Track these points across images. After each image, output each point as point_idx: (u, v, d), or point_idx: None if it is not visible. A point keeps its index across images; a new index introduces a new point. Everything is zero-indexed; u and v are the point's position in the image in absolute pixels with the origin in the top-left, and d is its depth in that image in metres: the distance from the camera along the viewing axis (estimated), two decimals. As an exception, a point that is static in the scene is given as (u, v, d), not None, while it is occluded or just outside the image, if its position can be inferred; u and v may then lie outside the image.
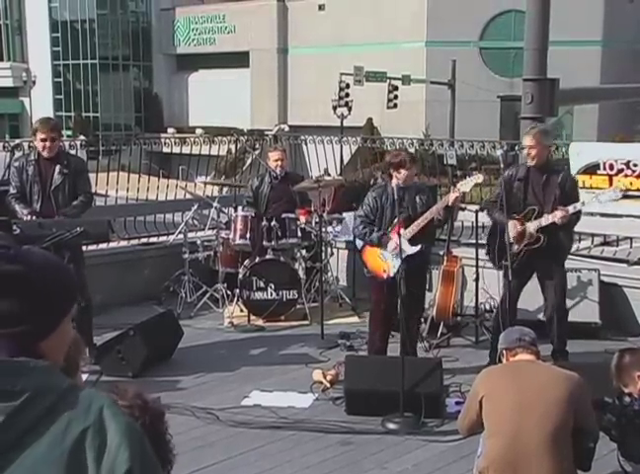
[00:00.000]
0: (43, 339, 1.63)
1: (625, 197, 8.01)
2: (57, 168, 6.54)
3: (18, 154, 7.86)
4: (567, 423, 3.86)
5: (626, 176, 7.99)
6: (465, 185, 6.19)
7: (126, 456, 1.50)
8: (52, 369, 1.60)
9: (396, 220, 6.16)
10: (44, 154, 6.50)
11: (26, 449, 1.46)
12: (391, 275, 6.24)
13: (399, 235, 5.97)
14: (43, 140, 6.45)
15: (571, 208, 6.12)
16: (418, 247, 6.03)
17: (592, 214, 8.62)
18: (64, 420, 1.50)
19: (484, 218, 7.97)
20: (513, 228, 6.25)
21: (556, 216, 6.13)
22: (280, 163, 8.43)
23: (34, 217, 6.38)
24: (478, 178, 6.25)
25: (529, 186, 6.34)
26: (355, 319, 8.07)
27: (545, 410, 3.85)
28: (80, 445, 1.49)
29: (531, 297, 6.91)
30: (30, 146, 8.15)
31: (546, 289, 6.52)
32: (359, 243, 6.64)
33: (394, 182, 6.21)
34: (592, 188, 8.15)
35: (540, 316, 6.96)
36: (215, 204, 8.89)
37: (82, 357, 2.58)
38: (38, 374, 1.54)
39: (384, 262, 6.29)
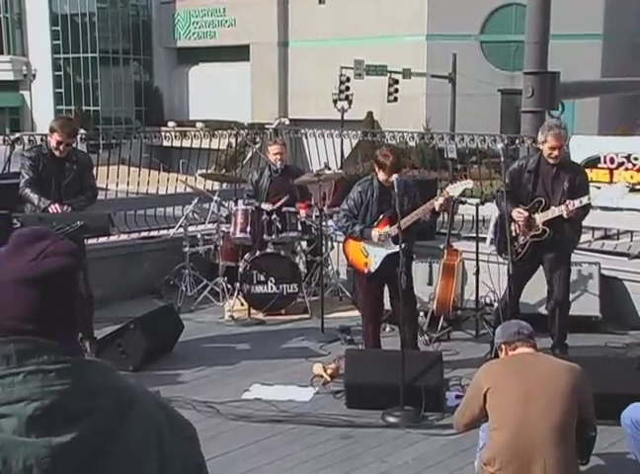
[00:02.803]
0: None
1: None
2: (67, 164, 6.61)
3: (18, 148, 7.86)
4: (571, 413, 3.89)
5: (627, 169, 7.98)
6: (454, 189, 6.16)
7: (194, 452, 1.69)
8: (111, 368, 1.59)
9: (381, 217, 6.21)
10: (56, 154, 6.54)
11: (109, 454, 1.46)
12: (372, 270, 6.28)
13: (399, 229, 5.96)
14: (59, 143, 6.47)
15: (577, 202, 6.11)
16: (397, 247, 5.94)
17: (592, 208, 8.62)
18: (139, 421, 1.50)
19: (484, 212, 7.99)
20: (519, 215, 6.24)
21: (563, 210, 6.12)
22: (279, 156, 8.43)
23: (56, 206, 6.37)
24: (468, 183, 6.22)
25: (539, 178, 6.32)
26: (355, 313, 8.05)
27: (549, 401, 3.87)
28: (155, 444, 1.51)
29: (532, 291, 6.91)
30: (30, 140, 8.17)
31: (551, 282, 6.52)
32: (341, 236, 6.68)
33: (379, 177, 6.23)
34: (592, 181, 8.14)
35: (541, 310, 6.96)
36: (216, 198, 8.88)
37: None
38: (109, 375, 1.54)
39: (366, 257, 6.32)
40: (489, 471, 3.95)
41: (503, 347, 4.21)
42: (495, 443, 3.96)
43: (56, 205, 6.37)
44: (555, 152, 6.24)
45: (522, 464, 3.85)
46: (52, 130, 6.51)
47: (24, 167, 6.63)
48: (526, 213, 6.24)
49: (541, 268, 6.56)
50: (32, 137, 8.29)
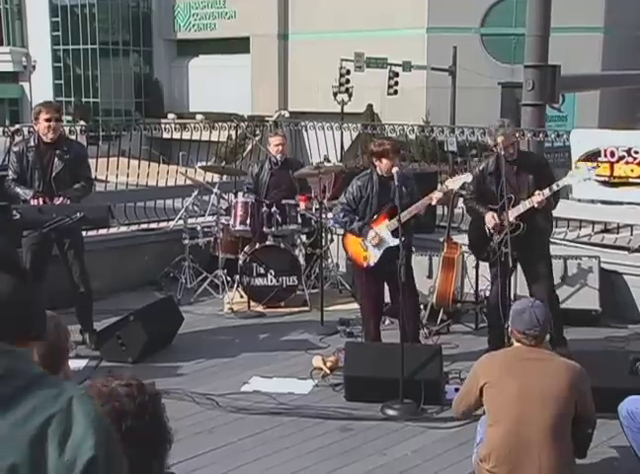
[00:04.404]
0: None
1: (626, 184, 8.02)
2: (58, 154, 6.47)
3: (18, 139, 7.82)
4: (568, 412, 3.88)
5: (627, 163, 7.97)
6: (453, 182, 6.19)
7: (91, 444, 1.49)
8: (24, 355, 1.59)
9: (380, 211, 6.22)
10: (49, 136, 6.39)
11: None
12: (371, 264, 6.28)
13: (399, 223, 5.95)
14: (48, 120, 6.34)
15: (547, 191, 6.12)
16: (397, 240, 5.92)
17: (592, 202, 8.62)
18: (29, 405, 1.50)
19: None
20: (491, 220, 6.25)
21: (533, 201, 6.13)
22: (280, 148, 8.41)
23: (39, 199, 6.34)
24: (467, 177, 6.24)
25: (502, 178, 6.30)
26: (354, 306, 8.04)
27: (546, 399, 3.86)
28: (43, 431, 1.47)
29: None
30: (29, 131, 8.14)
31: (533, 277, 6.50)
32: (341, 229, 6.68)
33: (378, 170, 6.24)
34: (593, 175, 8.15)
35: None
36: (215, 190, 8.87)
37: (68, 344, 2.57)
38: (8, 358, 1.54)
39: (365, 251, 6.31)
40: (484, 468, 3.95)
41: (513, 331, 4.11)
42: (490, 440, 3.96)
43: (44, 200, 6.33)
44: (510, 150, 6.26)
45: (518, 462, 3.84)
46: (38, 113, 6.38)
47: (11, 162, 6.59)
48: (497, 220, 6.23)
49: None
50: (31, 129, 8.25)
